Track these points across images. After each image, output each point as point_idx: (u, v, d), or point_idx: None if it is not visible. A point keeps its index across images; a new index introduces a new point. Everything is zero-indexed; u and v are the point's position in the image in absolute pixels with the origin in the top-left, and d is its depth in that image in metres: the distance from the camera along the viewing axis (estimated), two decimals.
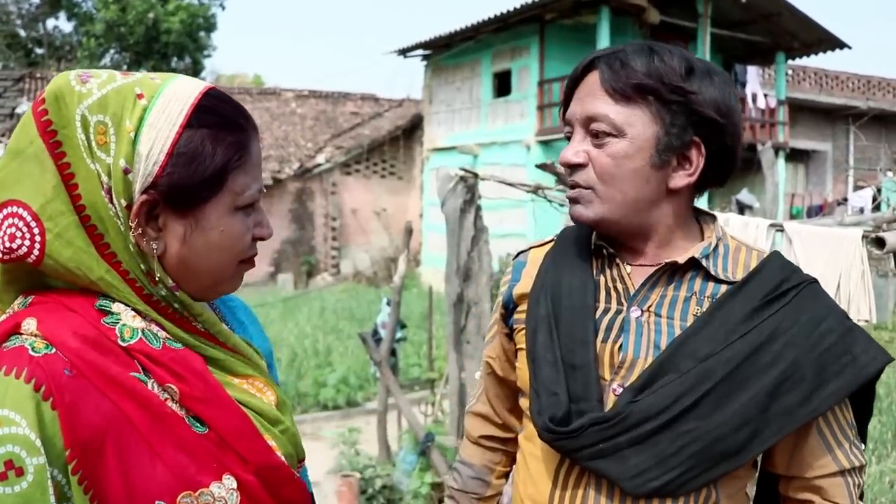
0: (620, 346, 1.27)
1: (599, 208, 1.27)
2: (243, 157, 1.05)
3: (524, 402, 1.40)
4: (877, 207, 9.36)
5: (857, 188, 16.60)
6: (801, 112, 18.15)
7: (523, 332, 1.38)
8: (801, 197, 18.03)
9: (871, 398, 1.32)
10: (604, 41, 13.14)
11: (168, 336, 1.03)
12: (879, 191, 10.08)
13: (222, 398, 1.03)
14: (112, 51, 26.85)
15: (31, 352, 0.93)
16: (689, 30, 14.52)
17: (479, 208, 5.31)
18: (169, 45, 26.14)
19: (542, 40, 14.48)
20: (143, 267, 1.02)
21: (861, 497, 1.28)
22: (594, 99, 1.26)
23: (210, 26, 27.67)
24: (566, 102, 1.33)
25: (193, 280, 1.06)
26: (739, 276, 1.28)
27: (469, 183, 5.20)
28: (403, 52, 17.31)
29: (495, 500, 1.62)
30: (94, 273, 0.99)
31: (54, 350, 0.94)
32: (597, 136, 1.26)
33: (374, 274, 17.34)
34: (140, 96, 0.99)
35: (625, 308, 1.29)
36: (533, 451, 1.35)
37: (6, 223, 0.98)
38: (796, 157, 18.48)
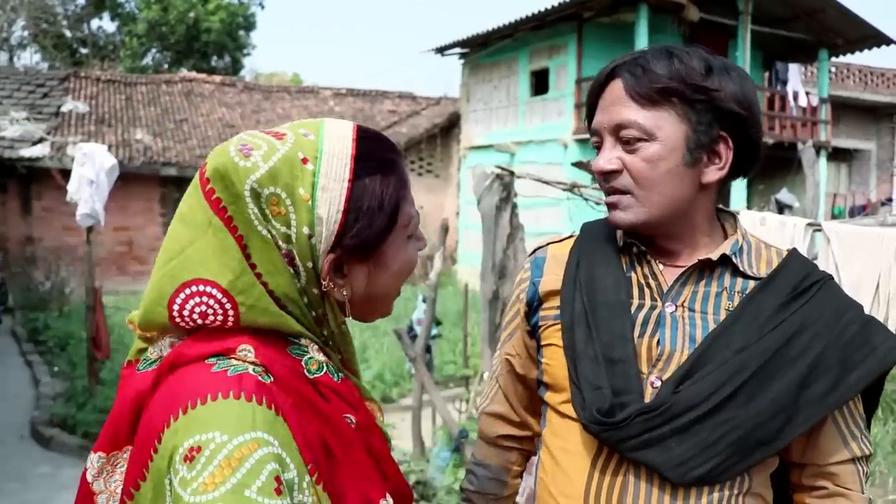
0: (658, 340, 1.31)
1: (640, 211, 1.31)
2: (406, 190, 1.09)
3: (553, 397, 1.42)
4: None
5: None
6: (845, 110, 17.84)
7: (553, 328, 1.41)
8: (844, 197, 17.73)
9: (879, 390, 1.38)
10: (642, 39, 13.04)
11: (340, 368, 1.08)
12: None
13: (375, 425, 1.10)
14: (153, 50, 27.29)
15: (261, 379, 0.95)
16: (730, 27, 14.35)
17: (514, 206, 5.32)
18: (209, 44, 26.51)
19: (579, 38, 14.42)
20: (313, 313, 1.05)
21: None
22: (621, 107, 1.29)
23: (249, 25, 28.01)
24: (590, 112, 1.37)
25: (373, 309, 1.12)
26: (763, 272, 1.34)
27: (505, 181, 5.21)
28: (441, 50, 17.34)
29: (512, 500, 1.63)
30: (291, 329, 1.02)
31: (274, 380, 0.97)
32: (628, 143, 1.29)
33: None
34: (304, 161, 1.01)
35: (659, 303, 1.33)
36: (563, 445, 1.37)
37: (193, 301, 0.98)
38: (839, 156, 18.15)
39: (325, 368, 1.04)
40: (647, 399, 1.28)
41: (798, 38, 15.12)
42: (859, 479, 1.33)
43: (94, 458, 1.00)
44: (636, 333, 1.32)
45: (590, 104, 1.37)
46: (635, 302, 1.34)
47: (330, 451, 0.99)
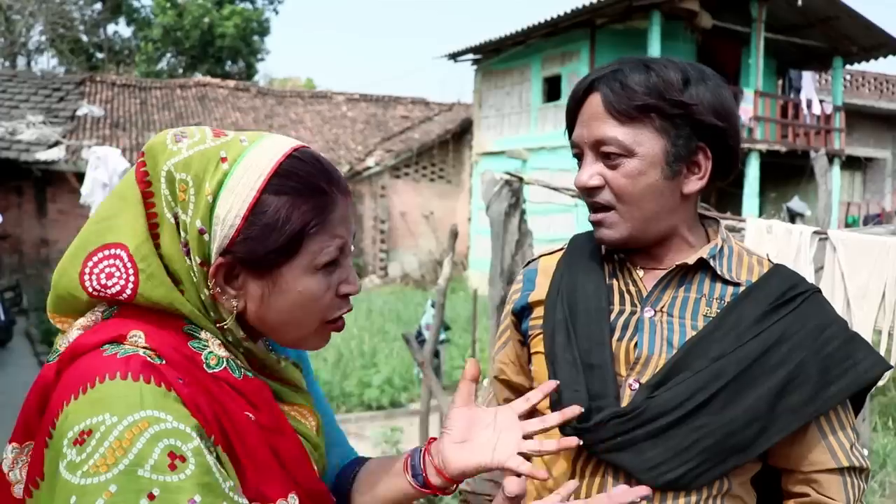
0: (636, 343, 1.33)
1: (624, 228, 1.33)
2: (322, 222, 1.05)
3: (541, 402, 1.43)
4: None
5: None
6: (859, 118, 17.73)
7: (539, 336, 1.45)
8: (858, 206, 17.63)
9: (861, 405, 1.38)
10: (655, 46, 13.03)
11: (245, 366, 1.08)
12: None
13: (285, 427, 1.09)
14: (168, 55, 27.47)
15: (150, 360, 0.97)
16: (743, 34, 14.32)
17: (523, 212, 5.33)
18: (223, 50, 26.67)
19: (592, 45, 14.41)
20: (212, 315, 1.05)
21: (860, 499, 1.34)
22: (600, 123, 1.31)
23: (264, 31, 28.16)
24: (570, 124, 1.39)
25: (274, 335, 1.10)
26: (744, 277, 1.36)
27: (514, 187, 5.22)
28: (454, 56, 17.38)
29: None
30: (185, 308, 1.03)
31: (165, 362, 0.98)
32: (608, 157, 1.31)
33: (422, 277, 17.42)
34: (223, 160, 1.02)
35: (639, 309, 1.36)
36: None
37: (104, 263, 1.02)
38: (853, 164, 18.05)
39: (224, 364, 1.05)
40: (625, 402, 1.30)
41: (812, 46, 15.06)
42: (845, 490, 1.32)
43: (9, 449, 1.02)
44: (615, 337, 1.34)
45: (569, 116, 1.40)
46: (616, 308, 1.37)
47: (225, 432, 0.99)
